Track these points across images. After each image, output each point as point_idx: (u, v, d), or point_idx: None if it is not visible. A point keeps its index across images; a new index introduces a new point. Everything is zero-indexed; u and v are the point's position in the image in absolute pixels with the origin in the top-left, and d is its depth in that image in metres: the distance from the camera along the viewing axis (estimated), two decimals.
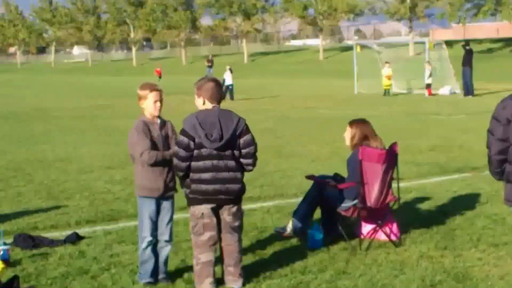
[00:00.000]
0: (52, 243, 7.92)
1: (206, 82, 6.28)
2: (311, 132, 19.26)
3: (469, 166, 13.03)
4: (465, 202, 9.91)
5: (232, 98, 35.68)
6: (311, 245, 7.74)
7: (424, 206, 9.78)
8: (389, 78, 36.92)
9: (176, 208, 9.68)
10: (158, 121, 6.50)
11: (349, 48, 66.53)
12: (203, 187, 6.09)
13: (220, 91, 6.29)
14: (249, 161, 6.22)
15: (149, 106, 6.44)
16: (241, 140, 6.16)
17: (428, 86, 35.93)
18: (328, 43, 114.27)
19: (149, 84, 6.59)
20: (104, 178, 12.36)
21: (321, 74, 71.55)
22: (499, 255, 7.34)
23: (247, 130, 6.20)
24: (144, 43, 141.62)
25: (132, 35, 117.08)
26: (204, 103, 6.23)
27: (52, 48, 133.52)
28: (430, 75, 35.96)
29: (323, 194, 8.04)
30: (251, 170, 6.32)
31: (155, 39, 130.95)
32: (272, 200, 10.40)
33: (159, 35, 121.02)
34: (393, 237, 7.92)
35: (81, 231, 8.52)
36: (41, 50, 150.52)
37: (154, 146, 6.36)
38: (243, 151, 6.18)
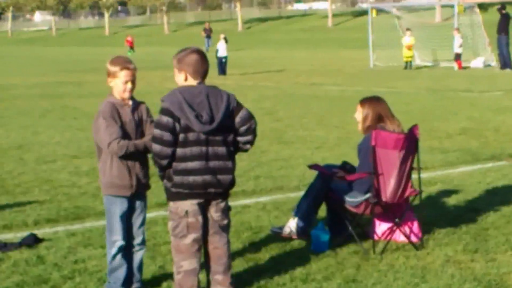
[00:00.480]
0: (5, 246, 7.88)
1: (188, 54, 6.17)
2: (317, 114, 19.24)
3: (505, 152, 13.03)
4: (500, 196, 9.88)
5: (224, 72, 35.65)
6: (315, 248, 7.71)
7: (451, 201, 9.76)
8: (410, 48, 36.87)
9: (153, 204, 9.74)
10: (130, 102, 6.39)
11: (363, 13, 66.59)
12: (191, 178, 6.01)
13: (205, 65, 6.21)
14: (249, 137, 6.21)
15: (118, 86, 6.30)
16: (237, 118, 6.13)
17: (458, 57, 35.90)
18: (339, 6, 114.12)
19: (121, 60, 6.42)
20: (69, 169, 12.33)
21: (329, 44, 71.45)
22: None
23: (239, 105, 6.17)
24: (119, 7, 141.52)
25: None
26: (186, 79, 6.15)
27: (9, 14, 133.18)
28: (461, 45, 35.93)
29: (330, 187, 8.01)
30: (248, 150, 6.33)
31: (132, 2, 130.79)
32: (269, 194, 10.38)
33: None
34: (413, 238, 7.89)
35: (40, 232, 8.48)
36: None
37: (124, 133, 6.24)
38: (242, 128, 6.15)
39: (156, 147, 6.00)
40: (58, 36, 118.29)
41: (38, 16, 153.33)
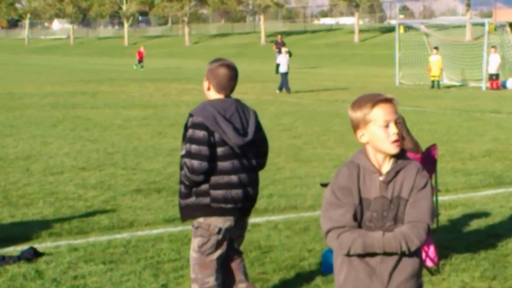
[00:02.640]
0: (3, 260, 7.86)
1: (218, 66, 6.09)
2: (338, 131, 19.15)
3: None
4: None
5: (288, 89, 33.04)
6: (324, 270, 7.64)
7: (471, 225, 9.65)
8: (430, 70, 36.64)
9: (159, 220, 9.71)
10: (388, 166, 4.10)
11: (391, 29, 66.54)
12: (234, 192, 5.99)
13: (232, 81, 6.11)
14: (261, 160, 6.26)
15: (378, 136, 4.03)
16: (258, 136, 6.16)
17: (495, 77, 35.58)
18: (366, 22, 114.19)
19: (371, 96, 4.10)
20: (76, 181, 12.32)
21: (355, 60, 71.37)
22: None
23: (260, 125, 6.22)
24: (140, 17, 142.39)
25: (124, 7, 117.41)
26: (208, 89, 6.10)
27: (26, 22, 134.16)
28: (498, 65, 35.65)
29: None
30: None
31: (153, 13, 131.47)
32: (282, 213, 10.31)
33: (157, 8, 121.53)
34: (428, 263, 7.79)
35: (41, 246, 8.46)
36: (13, 24, 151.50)
37: (357, 219, 4.06)
38: (258, 148, 6.18)
39: (194, 162, 5.88)
40: (76, 45, 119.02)
41: (56, 24, 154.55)
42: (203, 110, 5.95)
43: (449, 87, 37.22)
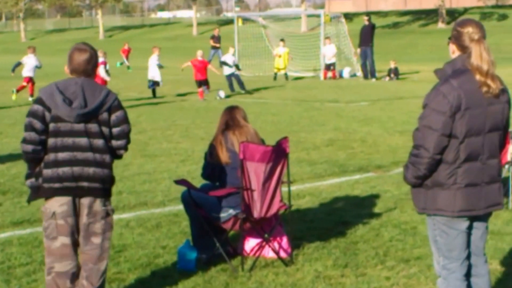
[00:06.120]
0: None
1: (72, 50, 6.05)
2: (182, 125, 19.11)
3: (372, 164, 13.24)
4: (368, 209, 10.03)
5: (231, 89, 29.84)
6: (181, 267, 7.59)
7: (320, 214, 9.82)
8: (280, 56, 36.97)
9: (7, 223, 9.40)
10: None
11: (229, 22, 67.06)
12: (60, 170, 5.82)
13: (85, 64, 5.99)
14: (122, 142, 6.04)
15: None
16: (113, 116, 5.97)
17: (332, 67, 36.25)
18: (203, 15, 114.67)
19: None
20: None
21: (195, 53, 71.26)
22: (410, 273, 7.43)
23: (119, 105, 6.03)
24: None
25: None
26: (68, 73, 6.07)
27: None
28: (334, 54, 36.37)
29: (196, 203, 7.89)
30: (121, 156, 6.14)
31: None
32: (132, 210, 10.19)
33: None
34: (282, 254, 7.87)
35: None
36: None
37: None
38: (115, 129, 5.99)
39: (25, 134, 5.85)
40: None
41: None
42: (47, 87, 5.95)
43: (288, 78, 37.64)
